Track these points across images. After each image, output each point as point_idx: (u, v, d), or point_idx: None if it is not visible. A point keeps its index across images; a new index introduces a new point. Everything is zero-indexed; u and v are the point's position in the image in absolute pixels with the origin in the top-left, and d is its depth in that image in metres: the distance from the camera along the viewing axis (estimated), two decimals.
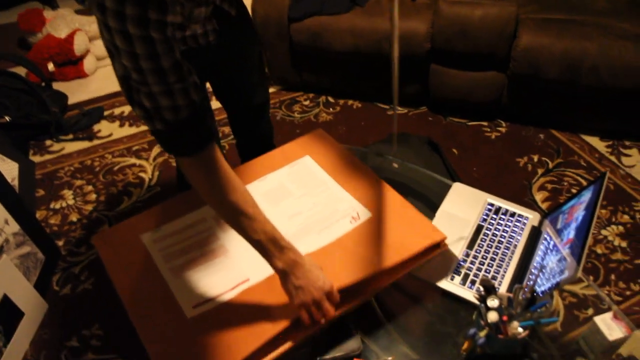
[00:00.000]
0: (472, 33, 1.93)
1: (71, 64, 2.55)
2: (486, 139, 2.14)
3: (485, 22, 1.91)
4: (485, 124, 2.21)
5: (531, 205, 1.84)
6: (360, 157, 1.86)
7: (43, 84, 2.41)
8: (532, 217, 1.22)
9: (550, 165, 2.02)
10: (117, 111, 2.36)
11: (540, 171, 1.99)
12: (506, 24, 1.91)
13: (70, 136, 2.21)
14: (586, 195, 1.10)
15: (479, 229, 1.20)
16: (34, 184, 1.98)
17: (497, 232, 1.19)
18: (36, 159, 2.12)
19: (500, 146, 2.11)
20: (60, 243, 1.74)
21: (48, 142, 2.19)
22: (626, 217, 1.79)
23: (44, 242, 1.64)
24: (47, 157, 2.12)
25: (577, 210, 1.09)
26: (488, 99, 2.12)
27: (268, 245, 0.87)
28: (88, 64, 2.58)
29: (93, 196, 1.92)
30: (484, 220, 1.22)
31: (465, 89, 2.11)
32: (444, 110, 2.27)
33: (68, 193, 1.94)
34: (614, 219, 1.78)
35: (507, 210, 1.24)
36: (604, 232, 1.74)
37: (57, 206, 1.89)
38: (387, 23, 1.99)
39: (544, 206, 1.85)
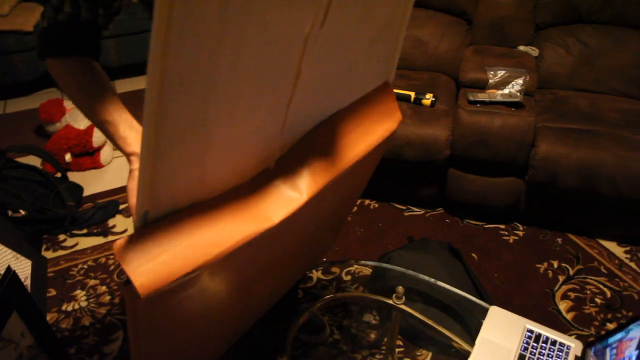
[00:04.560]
0: (491, 142, 1.97)
1: (87, 155, 2.56)
2: (504, 243, 2.14)
3: (504, 131, 1.96)
4: (502, 227, 2.22)
5: (556, 315, 1.81)
6: (379, 271, 1.84)
7: (58, 174, 2.41)
8: (574, 346, 1.19)
9: (571, 272, 2.00)
10: None
11: (561, 278, 1.97)
12: (525, 133, 1.96)
13: (85, 231, 2.18)
14: (635, 331, 1.08)
15: (520, 358, 1.16)
16: (46, 283, 1.92)
17: None
18: (49, 254, 2.07)
19: (519, 250, 2.10)
20: (72, 351, 1.67)
21: (61, 237, 2.16)
22: None
23: (56, 352, 1.56)
24: (60, 252, 2.08)
25: (628, 347, 1.06)
26: (505, 203, 2.14)
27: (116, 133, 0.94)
28: (104, 154, 2.60)
29: (107, 298, 1.86)
30: (525, 349, 1.19)
31: (482, 194, 2.13)
32: (460, 213, 2.28)
33: (81, 294, 1.88)
34: None
35: (547, 338, 1.21)
36: None
37: (69, 308, 1.83)
38: (408, 129, 2.03)
39: (568, 316, 1.81)
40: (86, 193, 2.41)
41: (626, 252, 2.10)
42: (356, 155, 0.86)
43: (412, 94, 2.14)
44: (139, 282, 0.54)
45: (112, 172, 2.60)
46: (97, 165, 2.59)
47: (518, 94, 1.99)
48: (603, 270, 2.01)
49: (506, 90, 2.01)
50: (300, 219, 0.78)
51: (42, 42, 0.89)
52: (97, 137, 2.52)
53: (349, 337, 1.73)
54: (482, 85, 2.12)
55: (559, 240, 2.15)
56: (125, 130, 0.92)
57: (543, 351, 1.18)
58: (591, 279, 1.97)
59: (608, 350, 1.12)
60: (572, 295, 1.90)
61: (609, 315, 1.82)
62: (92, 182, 2.50)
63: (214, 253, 0.62)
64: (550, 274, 1.99)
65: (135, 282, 0.54)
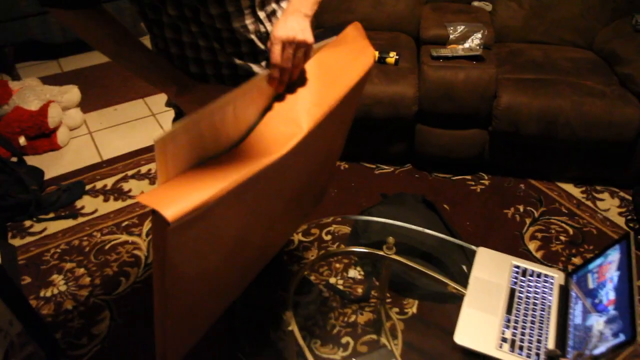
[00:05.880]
0: (456, 95, 2.04)
1: (44, 137, 2.45)
2: (472, 192, 2.23)
3: (468, 84, 2.02)
4: (469, 177, 2.31)
5: (527, 255, 1.92)
6: (364, 224, 1.89)
7: (14, 159, 2.29)
8: (557, 277, 1.28)
9: (536, 214, 2.12)
10: (99, 185, 2.27)
11: (528, 221, 2.09)
12: (487, 85, 2.03)
13: (52, 215, 2.09)
14: (613, 255, 1.17)
15: (512, 292, 1.24)
16: (18, 271, 1.85)
17: (529, 295, 1.24)
18: (16, 242, 1.99)
19: (487, 198, 2.20)
20: (58, 335, 1.63)
21: (27, 223, 2.07)
22: None
23: (44, 338, 1.52)
24: (29, 239, 2.00)
25: (608, 270, 1.16)
26: (471, 154, 2.23)
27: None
28: (61, 135, 2.49)
29: (87, 279, 1.81)
30: (515, 283, 1.27)
31: (449, 146, 2.21)
32: (428, 167, 2.35)
33: (58, 278, 1.83)
34: None
35: (533, 272, 1.29)
36: None
37: (48, 294, 1.77)
38: (376, 88, 2.06)
39: (538, 255, 1.93)
40: (47, 176, 2.31)
41: (582, 192, 2.24)
42: (342, 90, 0.93)
43: (376, 53, 2.17)
44: (167, 212, 0.59)
45: (71, 153, 2.49)
46: (55, 147, 2.48)
47: (478, 47, 2.05)
48: (564, 210, 2.14)
49: (467, 45, 2.07)
50: (301, 152, 0.84)
51: None
52: (53, 117, 2.40)
53: (338, 293, 1.77)
54: (443, 42, 2.17)
55: (522, 185, 2.27)
56: (171, 67, 1.00)
57: (531, 284, 1.26)
58: (554, 219, 2.10)
59: (589, 275, 1.21)
60: (539, 235, 2.02)
61: (573, 251, 1.95)
62: (51, 165, 2.39)
63: (229, 182, 0.68)
64: (518, 217, 2.11)
65: (163, 212, 0.59)
